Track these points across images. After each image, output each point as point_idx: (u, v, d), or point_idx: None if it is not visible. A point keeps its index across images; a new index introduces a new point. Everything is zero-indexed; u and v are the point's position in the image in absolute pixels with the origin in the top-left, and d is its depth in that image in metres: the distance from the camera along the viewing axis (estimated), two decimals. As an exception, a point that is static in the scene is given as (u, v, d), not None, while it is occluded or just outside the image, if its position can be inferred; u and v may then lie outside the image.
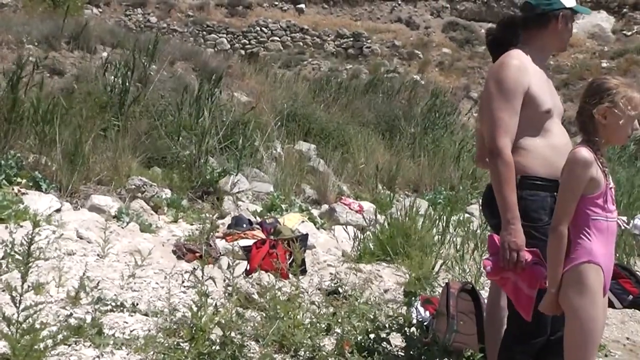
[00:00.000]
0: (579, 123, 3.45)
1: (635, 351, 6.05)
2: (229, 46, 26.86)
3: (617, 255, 8.30)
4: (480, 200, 4.23)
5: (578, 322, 3.34)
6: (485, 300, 4.92)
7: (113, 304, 4.66)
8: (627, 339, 6.27)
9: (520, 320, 3.57)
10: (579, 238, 3.36)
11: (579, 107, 3.47)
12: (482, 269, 5.99)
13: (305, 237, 7.15)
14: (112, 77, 10.44)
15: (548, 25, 3.81)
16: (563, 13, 3.80)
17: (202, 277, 4.06)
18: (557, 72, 24.04)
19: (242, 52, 26.15)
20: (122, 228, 7.08)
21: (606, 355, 5.67)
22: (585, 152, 3.30)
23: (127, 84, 9.98)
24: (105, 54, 11.81)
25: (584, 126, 3.41)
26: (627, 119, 3.36)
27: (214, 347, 3.75)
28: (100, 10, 27.59)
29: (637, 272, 8.08)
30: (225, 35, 27.45)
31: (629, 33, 28.11)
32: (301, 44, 27.08)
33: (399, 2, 29.70)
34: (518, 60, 3.69)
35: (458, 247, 7.67)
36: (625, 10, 29.36)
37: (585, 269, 3.35)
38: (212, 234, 6.67)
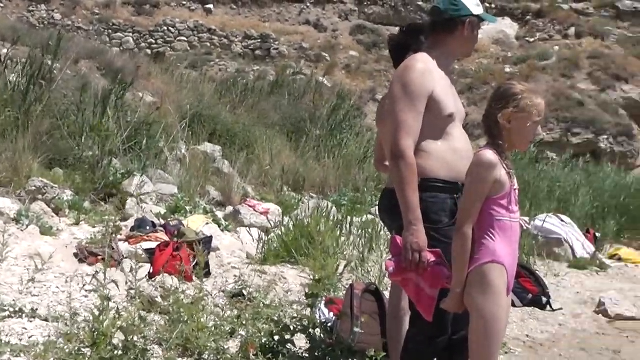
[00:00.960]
0: (485, 126, 3.50)
1: (534, 348, 6.25)
2: (134, 45, 26.41)
3: (518, 255, 8.52)
4: (378, 206, 4.22)
5: (482, 321, 3.39)
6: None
7: (11, 309, 4.55)
8: (527, 336, 6.46)
9: (422, 321, 3.60)
10: (483, 238, 3.41)
11: (485, 111, 3.53)
12: (385, 270, 6.10)
13: (209, 239, 7.12)
14: (13, 75, 10.13)
15: (455, 31, 3.84)
16: (470, 20, 3.85)
17: (104, 280, 3.98)
18: (462, 76, 24.59)
19: (149, 51, 25.76)
20: (22, 231, 6.90)
21: (507, 353, 5.81)
22: (490, 155, 3.36)
23: (28, 82, 9.70)
24: (5, 51, 11.46)
25: (489, 130, 3.46)
26: (531, 125, 3.44)
27: (116, 352, 3.69)
28: (2, 5, 26.73)
29: (537, 272, 8.42)
30: (131, 34, 26.99)
31: (532, 40, 29.05)
32: (209, 44, 26.86)
33: (308, 5, 29.79)
34: (424, 64, 3.72)
35: (361, 249, 7.77)
36: (528, 17, 30.35)
37: (489, 269, 3.39)
38: (114, 236, 6.56)
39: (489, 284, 3.39)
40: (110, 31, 26.93)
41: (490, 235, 3.41)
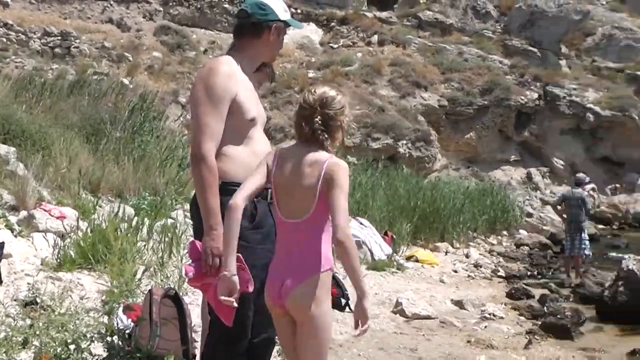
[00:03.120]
0: (313, 131, 3.49)
1: (334, 349, 6.37)
2: None
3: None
4: (189, 207, 4.19)
5: (321, 329, 3.43)
6: (188, 306, 4.93)
7: None
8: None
9: (222, 326, 3.57)
10: (326, 243, 3.46)
11: (317, 117, 3.50)
12: (184, 275, 6.00)
13: (0, 245, 6.70)
14: None
15: (261, 35, 3.87)
16: (276, 25, 3.88)
17: None
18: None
19: None
20: None
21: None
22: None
23: None
24: None
25: (320, 135, 3.48)
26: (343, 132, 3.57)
27: None
28: None
29: (336, 274, 8.57)
30: None
31: (336, 46, 29.78)
32: (4, 40, 25.40)
33: (111, 3, 28.96)
34: (228, 67, 3.73)
35: (161, 254, 7.62)
36: (333, 24, 31.12)
37: (327, 276, 3.46)
38: None
39: (328, 292, 3.46)
40: None
41: (329, 240, 3.47)
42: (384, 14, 32.48)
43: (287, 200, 3.52)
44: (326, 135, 3.50)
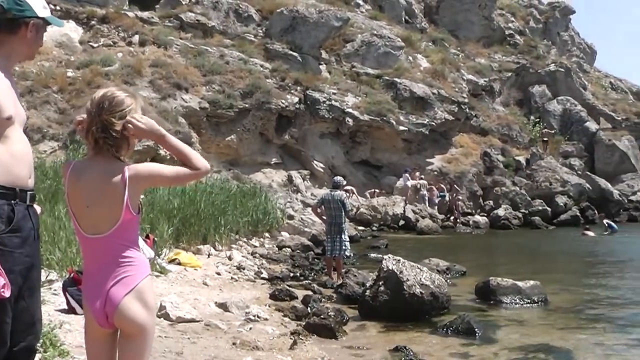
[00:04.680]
0: (96, 141, 3.38)
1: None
2: None
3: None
4: None
5: (146, 337, 3.40)
6: None
7: None
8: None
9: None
10: (138, 251, 3.45)
11: (96, 124, 3.38)
12: None
13: None
14: None
15: (18, 31, 3.64)
16: (34, 22, 3.67)
17: None
18: (22, 78, 23.31)
19: None
20: None
21: (72, 360, 5.54)
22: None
23: None
24: None
25: (104, 144, 3.37)
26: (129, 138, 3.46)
27: None
28: None
29: (71, 289, 8.11)
30: None
31: (96, 45, 28.64)
32: None
33: None
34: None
35: None
36: (93, 22, 29.88)
37: (148, 282, 3.44)
38: None
39: (154, 297, 3.48)
40: None
41: (139, 248, 3.48)
42: (145, 14, 31.83)
43: (89, 216, 3.41)
44: (110, 143, 3.37)
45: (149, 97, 25.38)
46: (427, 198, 31.22)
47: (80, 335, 6.32)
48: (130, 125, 3.39)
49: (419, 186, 31.27)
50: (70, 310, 7.57)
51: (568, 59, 49.96)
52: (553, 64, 45.19)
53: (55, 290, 8.40)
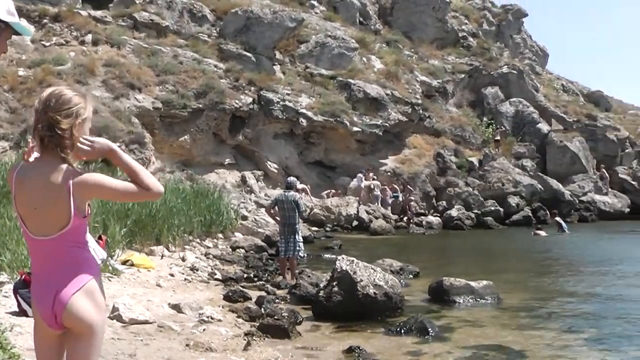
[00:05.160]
0: (41, 139, 3.32)
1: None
2: None
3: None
4: None
5: (96, 337, 3.36)
6: None
7: None
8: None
9: None
10: (87, 252, 3.43)
11: (42, 122, 3.32)
12: None
13: None
14: None
15: None
16: None
17: None
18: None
19: None
20: None
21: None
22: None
23: None
24: None
25: (50, 144, 3.31)
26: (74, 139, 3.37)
27: None
28: None
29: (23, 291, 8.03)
30: None
31: (48, 44, 28.22)
32: None
33: None
34: None
35: None
36: (45, 21, 29.44)
37: (98, 282, 3.44)
38: None
39: (100, 297, 3.42)
40: None
41: (87, 248, 3.45)
42: (98, 13, 31.48)
43: (36, 218, 3.36)
44: (55, 142, 3.31)
45: (102, 97, 25.13)
46: (380, 198, 31.40)
47: (31, 338, 6.24)
48: (79, 151, 3.37)
49: (372, 186, 31.45)
50: (22, 313, 7.46)
51: (520, 61, 50.54)
52: (506, 66, 45.67)
53: (5, 292, 8.26)
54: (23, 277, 7.77)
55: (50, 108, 3.33)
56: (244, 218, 22.76)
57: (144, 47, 29.91)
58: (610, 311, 11.30)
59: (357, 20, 44.63)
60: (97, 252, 10.83)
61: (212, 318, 9.28)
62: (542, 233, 27.22)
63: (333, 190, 31.43)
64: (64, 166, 3.34)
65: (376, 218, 28.92)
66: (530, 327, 10.04)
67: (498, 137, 39.89)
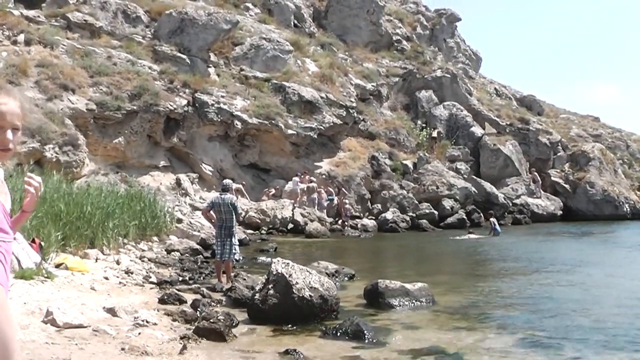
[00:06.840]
0: None
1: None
2: None
3: None
4: None
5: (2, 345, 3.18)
6: None
7: None
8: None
9: None
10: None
11: None
12: None
13: None
14: None
15: None
16: None
17: None
18: None
19: None
20: None
21: None
22: None
23: None
24: None
25: None
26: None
27: None
28: None
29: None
30: None
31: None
32: None
33: None
34: None
35: None
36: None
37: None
38: None
39: (5, 305, 3.25)
40: None
41: None
42: (31, 13, 30.90)
43: None
44: None
45: (35, 98, 24.68)
46: (316, 201, 31.55)
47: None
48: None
49: (307, 189, 31.57)
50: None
51: (454, 65, 51.36)
52: (439, 70, 46.31)
53: None
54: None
55: None
56: (179, 221, 22.63)
57: (77, 48, 29.47)
58: (543, 311, 11.57)
59: (292, 23, 44.77)
60: (30, 255, 10.72)
61: (147, 322, 9.22)
62: (474, 235, 27.73)
63: (274, 189, 31.53)
64: None
65: (311, 221, 29.04)
66: (466, 329, 10.17)
67: (435, 135, 40.47)
